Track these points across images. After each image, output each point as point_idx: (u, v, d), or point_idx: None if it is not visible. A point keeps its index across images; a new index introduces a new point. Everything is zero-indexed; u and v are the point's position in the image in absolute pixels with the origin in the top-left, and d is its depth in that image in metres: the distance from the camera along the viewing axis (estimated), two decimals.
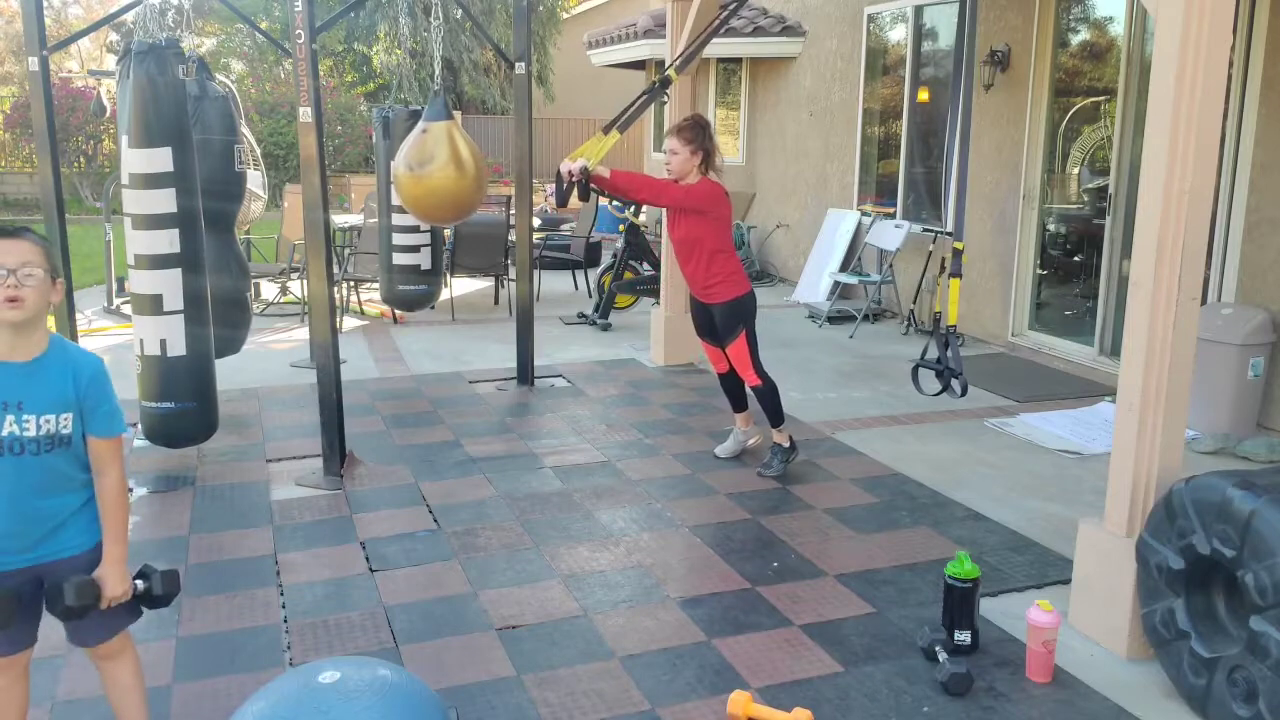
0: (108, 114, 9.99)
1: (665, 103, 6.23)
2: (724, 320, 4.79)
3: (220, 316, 5.24)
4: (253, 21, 8.06)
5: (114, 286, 8.89)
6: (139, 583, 2.43)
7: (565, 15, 22.56)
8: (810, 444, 5.29)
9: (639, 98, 5.20)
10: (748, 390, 4.97)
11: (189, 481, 4.73)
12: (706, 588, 3.72)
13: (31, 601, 2.36)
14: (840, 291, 8.87)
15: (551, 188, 4.71)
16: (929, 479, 4.83)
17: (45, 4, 5.55)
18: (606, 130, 4.85)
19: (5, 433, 2.21)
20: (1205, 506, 2.86)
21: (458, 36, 20.07)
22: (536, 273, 8.00)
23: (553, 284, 10.14)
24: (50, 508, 2.31)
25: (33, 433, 2.23)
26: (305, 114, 4.55)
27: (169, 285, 4.65)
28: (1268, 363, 5.44)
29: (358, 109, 20.18)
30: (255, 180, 8.62)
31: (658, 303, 7.48)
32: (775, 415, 4.87)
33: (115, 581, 2.36)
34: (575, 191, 4.55)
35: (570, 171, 4.48)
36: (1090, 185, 7.07)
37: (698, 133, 4.60)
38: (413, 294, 7.75)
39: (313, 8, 4.45)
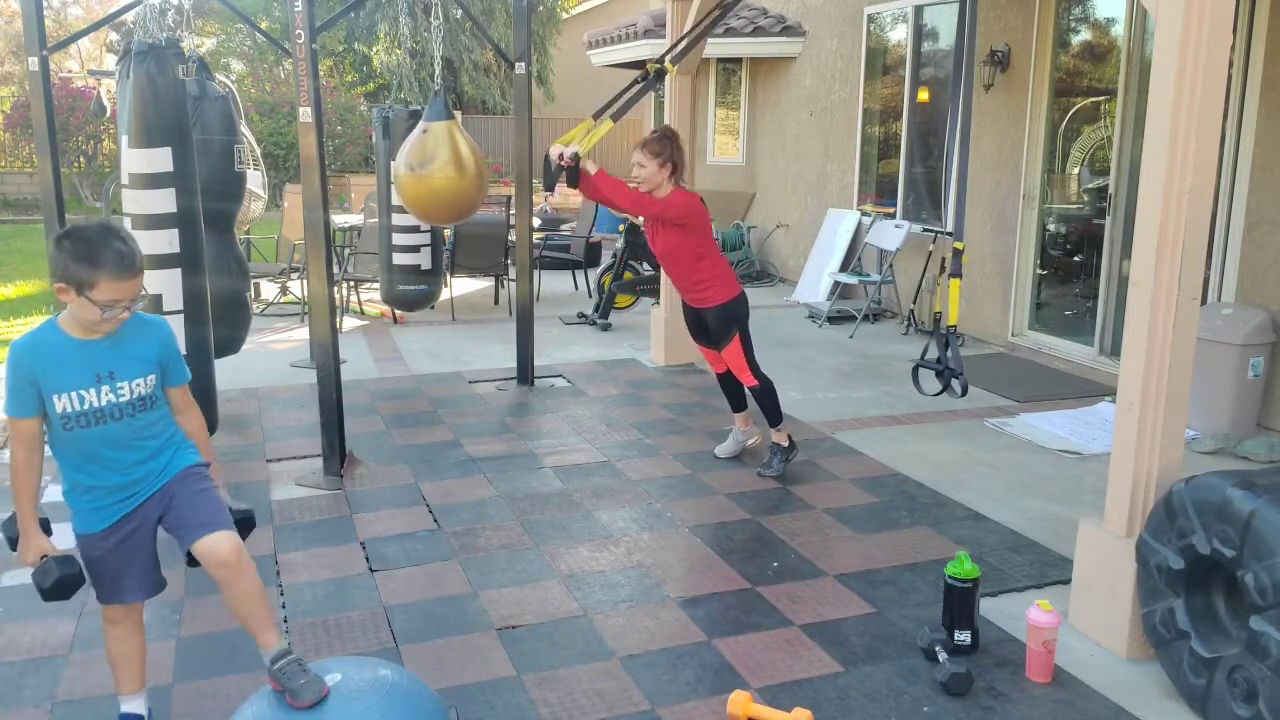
0: (108, 114, 9.99)
1: (659, 93, 6.22)
2: (716, 325, 4.80)
3: (220, 316, 5.24)
4: (253, 21, 8.06)
5: None
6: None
7: (565, 15, 22.56)
8: (810, 444, 5.29)
9: (631, 85, 5.19)
10: (746, 390, 4.98)
11: None
12: (706, 588, 3.72)
13: (151, 555, 2.62)
14: (840, 291, 8.88)
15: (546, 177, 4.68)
16: (929, 479, 4.83)
17: (45, 4, 5.55)
18: (596, 117, 4.82)
19: (104, 402, 2.44)
20: (1205, 506, 2.86)
21: (458, 36, 20.08)
22: (536, 273, 8.00)
23: (553, 284, 10.14)
24: (151, 453, 2.56)
25: (127, 397, 2.48)
26: (305, 114, 4.55)
27: (169, 285, 4.65)
28: (1268, 363, 5.45)
29: (358, 109, 20.19)
30: (255, 180, 8.62)
31: (658, 303, 7.49)
32: (774, 415, 4.87)
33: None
34: (564, 177, 4.53)
35: (562, 155, 4.46)
36: (1090, 185, 7.07)
37: (664, 145, 4.59)
38: (413, 294, 7.76)
39: (313, 8, 4.45)
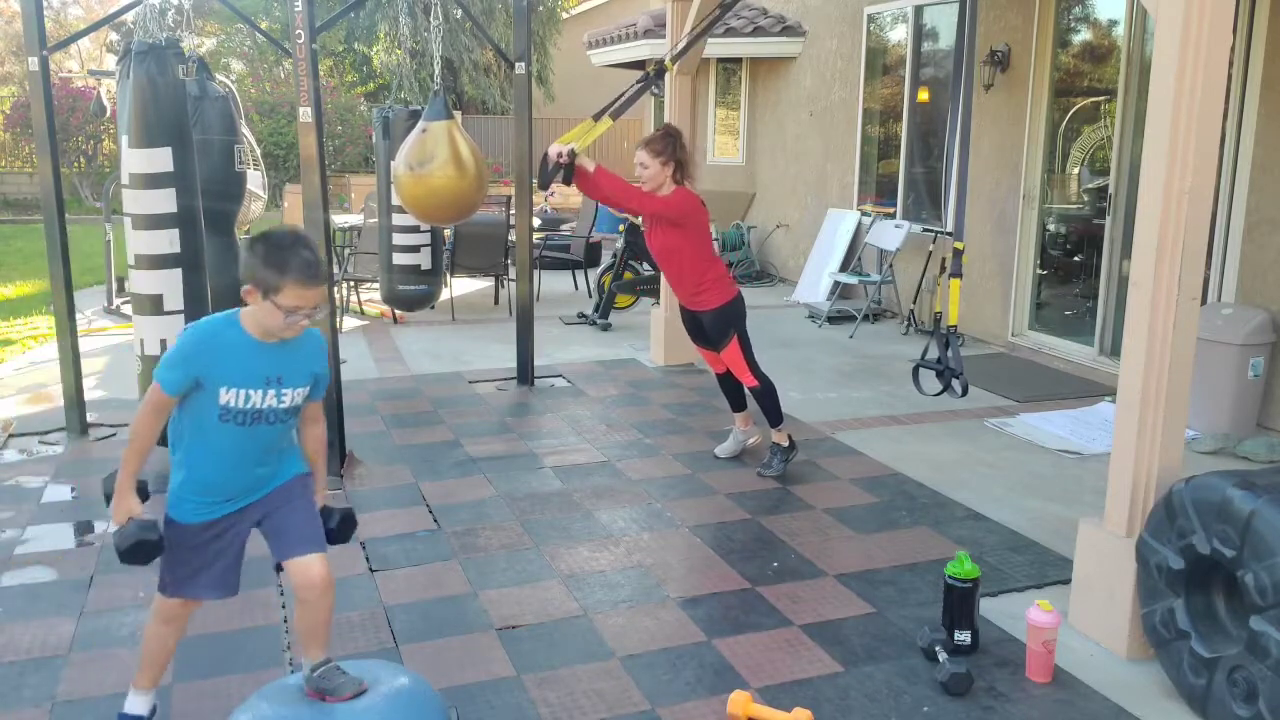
0: (108, 114, 9.98)
1: (658, 94, 6.23)
2: (713, 326, 4.80)
3: None
4: (253, 21, 8.06)
5: (114, 286, 8.89)
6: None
7: (565, 15, 22.56)
8: (810, 444, 5.29)
9: (632, 86, 5.19)
10: (746, 391, 4.98)
11: None
12: (706, 588, 3.72)
13: (238, 556, 2.65)
14: (840, 291, 8.88)
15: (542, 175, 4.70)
16: (929, 479, 4.83)
17: (45, 4, 5.55)
18: (597, 117, 4.83)
19: (265, 405, 2.50)
20: (1205, 506, 2.86)
21: (458, 36, 20.07)
22: (536, 273, 8.00)
23: (553, 284, 10.14)
24: (273, 457, 2.62)
25: (287, 404, 2.54)
26: (305, 114, 4.55)
27: (169, 285, 4.65)
28: (1268, 363, 5.45)
29: (358, 109, 20.19)
30: (255, 180, 8.62)
31: (658, 303, 7.49)
32: (774, 415, 4.87)
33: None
34: (560, 175, 4.54)
35: (560, 153, 4.47)
36: (1090, 185, 7.07)
37: (667, 144, 4.58)
38: (413, 294, 7.76)
39: (313, 8, 4.45)
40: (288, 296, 2.40)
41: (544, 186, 4.71)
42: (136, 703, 2.72)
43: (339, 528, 2.75)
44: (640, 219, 5.01)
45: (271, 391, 2.49)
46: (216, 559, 2.61)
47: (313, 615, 2.59)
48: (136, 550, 2.48)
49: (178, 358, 2.45)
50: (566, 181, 4.56)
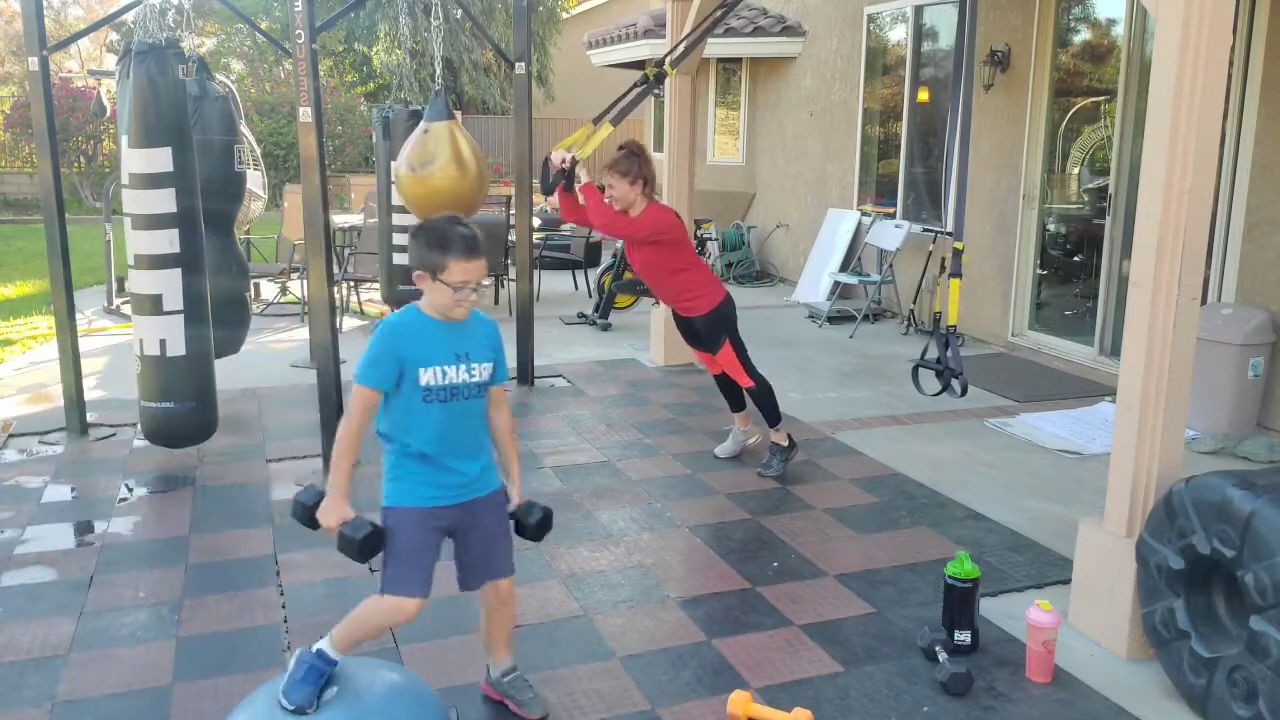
0: (108, 114, 9.98)
1: (659, 96, 6.23)
2: (706, 331, 4.82)
3: (220, 316, 5.24)
4: (253, 21, 8.05)
5: (114, 286, 8.89)
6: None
7: (565, 15, 22.57)
8: (810, 444, 5.29)
9: (631, 89, 5.20)
10: (744, 391, 4.98)
11: (189, 481, 4.73)
12: (706, 588, 3.72)
13: (437, 556, 2.71)
14: (840, 291, 8.87)
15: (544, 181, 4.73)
16: (929, 479, 4.83)
17: (45, 4, 5.55)
18: (597, 121, 4.84)
19: (459, 380, 2.63)
20: (1205, 506, 2.86)
21: (458, 36, 20.08)
22: (536, 273, 7.99)
23: (553, 284, 10.14)
24: (477, 449, 2.73)
25: (477, 378, 2.67)
26: (305, 114, 4.55)
27: (169, 285, 4.65)
28: (1268, 363, 5.45)
29: (358, 109, 20.19)
30: (255, 180, 8.62)
31: (658, 303, 7.48)
32: (772, 415, 4.87)
33: (518, 494, 2.85)
34: (563, 181, 4.57)
35: (562, 160, 4.50)
36: (1090, 185, 7.07)
37: (633, 163, 4.58)
38: (413, 294, 7.71)
39: (313, 8, 4.45)
40: (453, 272, 2.56)
41: (547, 193, 4.74)
42: (331, 650, 2.61)
43: (538, 525, 2.81)
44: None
45: (463, 366, 2.64)
46: (427, 552, 2.67)
47: (499, 621, 2.87)
48: (370, 541, 2.56)
49: (377, 353, 2.60)
50: (569, 189, 4.58)
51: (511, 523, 2.82)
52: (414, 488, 2.65)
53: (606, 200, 4.63)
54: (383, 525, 2.63)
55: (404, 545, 2.63)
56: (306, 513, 2.63)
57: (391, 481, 2.68)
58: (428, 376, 2.60)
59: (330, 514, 2.58)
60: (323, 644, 2.61)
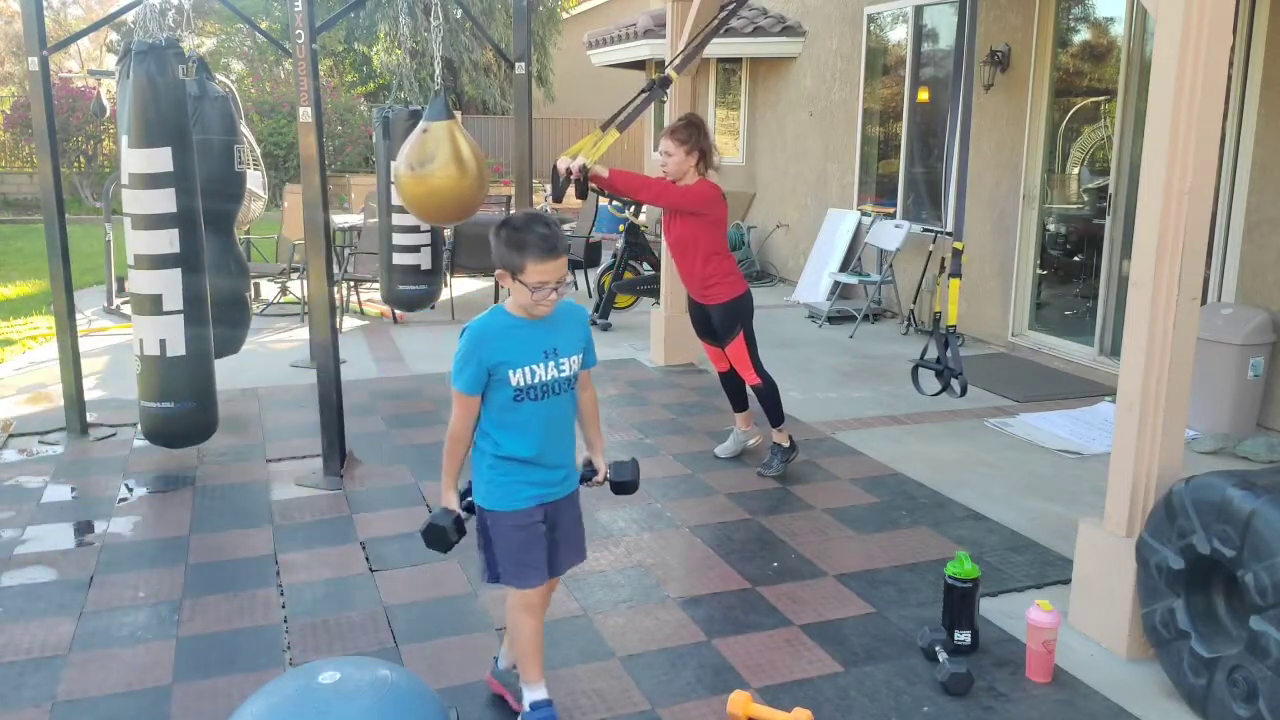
0: (108, 114, 9.98)
1: (664, 101, 6.23)
2: (721, 320, 4.80)
3: (220, 316, 5.24)
4: (253, 21, 8.06)
5: (114, 286, 8.89)
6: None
7: (565, 15, 22.56)
8: (810, 444, 5.29)
9: (638, 96, 5.20)
10: (748, 390, 4.98)
11: (189, 481, 4.73)
12: (706, 588, 3.72)
13: (545, 545, 2.78)
14: (840, 291, 8.87)
15: (549, 185, 4.73)
16: (929, 479, 4.83)
17: (45, 4, 5.55)
18: (604, 128, 4.84)
19: (549, 377, 2.66)
20: (1205, 506, 2.86)
21: (458, 36, 20.08)
22: None
23: None
24: (568, 445, 2.79)
25: (567, 372, 2.70)
26: (305, 114, 4.55)
27: (169, 285, 4.65)
28: (1268, 363, 5.44)
29: (358, 109, 20.18)
30: (255, 180, 8.62)
31: (658, 303, 7.48)
32: (775, 414, 4.87)
33: (602, 464, 2.93)
34: (574, 189, 4.55)
35: (570, 168, 4.49)
36: (1090, 185, 7.07)
37: (692, 133, 4.57)
38: (413, 294, 7.75)
39: (313, 8, 4.45)
40: (531, 273, 2.54)
41: (557, 199, 4.72)
42: (536, 693, 2.82)
43: (629, 480, 2.90)
44: (641, 219, 5.01)
45: (551, 363, 2.66)
46: (538, 544, 2.75)
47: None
48: (450, 530, 2.68)
49: (465, 358, 2.62)
50: (581, 195, 4.57)
51: (607, 484, 2.90)
52: (512, 490, 2.71)
53: (661, 168, 4.61)
54: (479, 522, 2.74)
55: (513, 544, 2.72)
56: (440, 535, 2.70)
57: (488, 484, 2.73)
58: (517, 377, 2.63)
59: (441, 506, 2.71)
60: (526, 695, 2.80)
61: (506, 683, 2.94)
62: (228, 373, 5.96)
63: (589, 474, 2.91)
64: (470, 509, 2.80)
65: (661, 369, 6.96)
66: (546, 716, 2.79)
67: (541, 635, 2.84)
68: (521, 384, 2.63)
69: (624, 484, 2.90)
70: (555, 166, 4.53)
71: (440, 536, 2.69)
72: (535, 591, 2.75)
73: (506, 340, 2.63)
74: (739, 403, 5.10)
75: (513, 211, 2.67)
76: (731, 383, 5.05)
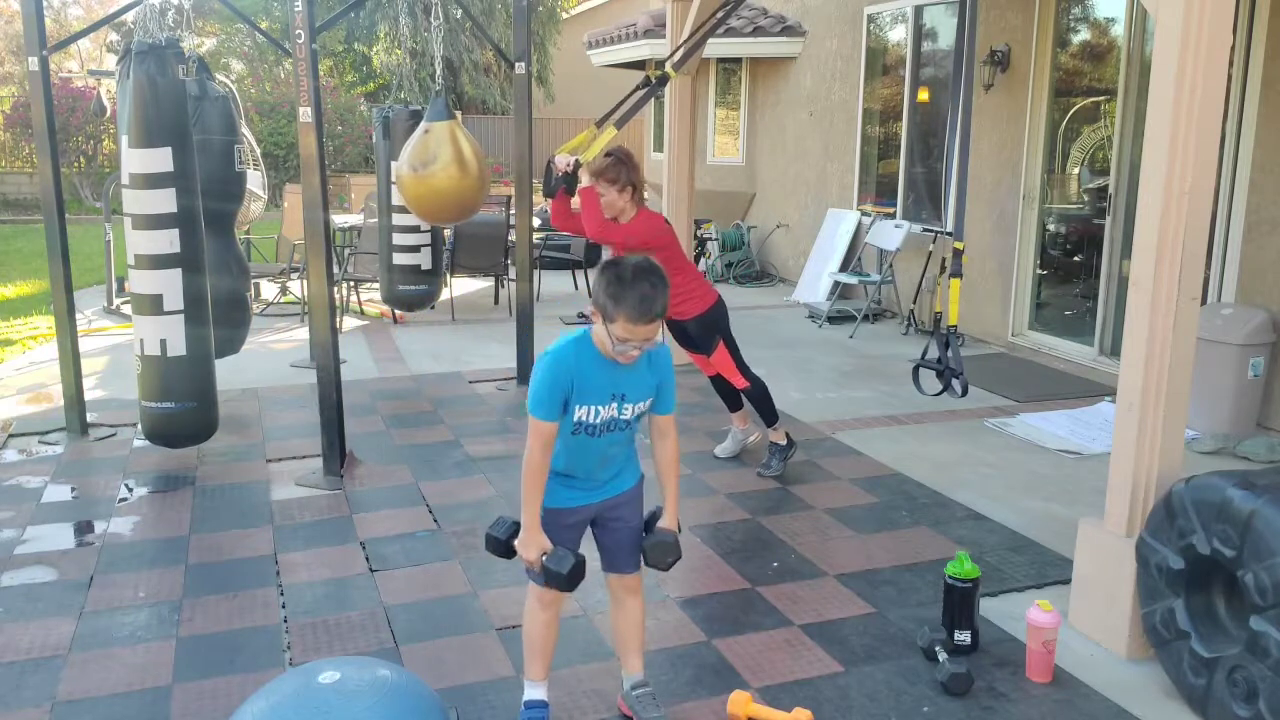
0: (108, 114, 9.99)
1: (661, 98, 6.23)
2: (698, 333, 4.82)
3: (220, 316, 5.24)
4: (253, 21, 8.05)
5: (114, 286, 8.89)
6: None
7: (565, 15, 22.58)
8: (810, 444, 5.29)
9: (634, 92, 5.19)
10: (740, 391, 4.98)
11: (189, 481, 4.73)
12: (706, 588, 3.72)
13: (580, 543, 2.77)
14: (840, 291, 8.87)
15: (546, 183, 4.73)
16: (929, 479, 4.83)
17: (45, 4, 5.55)
18: (600, 125, 4.84)
19: (609, 417, 2.65)
20: (1205, 506, 2.86)
21: (458, 36, 20.10)
22: (536, 273, 7.99)
23: (553, 284, 10.14)
24: (619, 458, 2.79)
25: (629, 416, 2.69)
26: (305, 114, 4.55)
27: (169, 285, 4.65)
28: (1268, 363, 5.45)
29: (358, 109, 20.19)
30: (255, 180, 8.62)
31: None
32: (768, 415, 4.87)
33: (673, 524, 2.84)
34: (565, 185, 4.56)
35: (567, 164, 4.49)
36: (1090, 185, 7.07)
37: (620, 170, 4.55)
38: (413, 294, 7.75)
39: (313, 8, 4.45)
40: (620, 328, 2.51)
41: (549, 195, 4.72)
42: (538, 691, 2.85)
43: (656, 555, 2.80)
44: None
45: (614, 404, 2.65)
46: (561, 538, 2.73)
47: (630, 617, 2.89)
48: (576, 571, 2.63)
49: (546, 389, 2.58)
50: (570, 192, 4.57)
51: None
52: (549, 490, 2.70)
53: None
54: (582, 555, 2.68)
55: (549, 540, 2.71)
56: (501, 546, 2.70)
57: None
58: (581, 413, 2.62)
59: (530, 548, 2.64)
60: (525, 691, 2.83)
61: (631, 704, 2.89)
62: (228, 373, 5.97)
63: (652, 520, 2.85)
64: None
65: None
66: (533, 718, 2.79)
67: (552, 633, 2.83)
68: (584, 420, 2.63)
69: (657, 562, 2.82)
70: (550, 161, 4.53)
71: (578, 570, 2.65)
72: (550, 591, 2.74)
73: (582, 373, 2.60)
74: (733, 403, 5.10)
75: (628, 256, 2.58)
76: (722, 385, 5.05)
